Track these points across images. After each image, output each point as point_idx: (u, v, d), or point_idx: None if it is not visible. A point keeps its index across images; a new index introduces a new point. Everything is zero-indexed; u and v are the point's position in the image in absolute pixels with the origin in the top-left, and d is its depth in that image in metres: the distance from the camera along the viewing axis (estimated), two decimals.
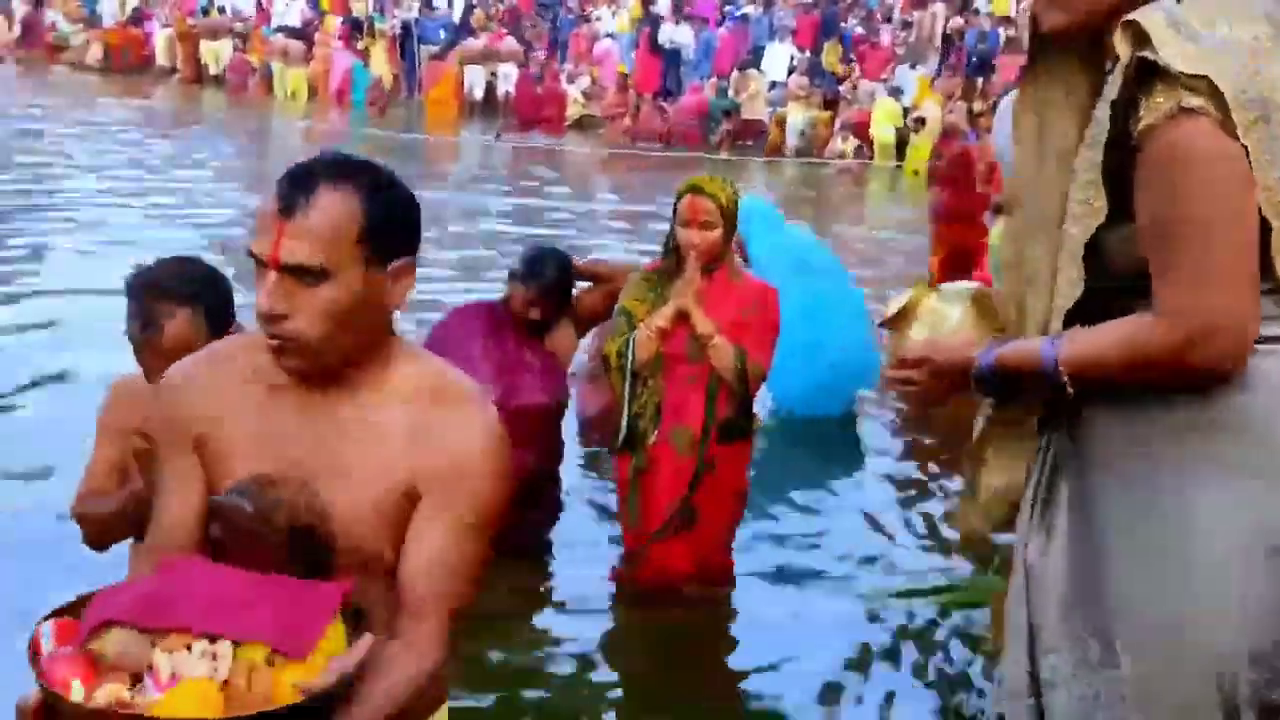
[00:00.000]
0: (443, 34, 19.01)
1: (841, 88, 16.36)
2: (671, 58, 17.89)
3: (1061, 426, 1.58)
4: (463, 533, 1.37)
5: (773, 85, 16.42)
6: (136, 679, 1.18)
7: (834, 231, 9.45)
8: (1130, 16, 1.37)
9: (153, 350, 1.95)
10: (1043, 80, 1.59)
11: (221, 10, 20.46)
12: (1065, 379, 1.45)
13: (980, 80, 15.40)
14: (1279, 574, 1.39)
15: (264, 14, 20.62)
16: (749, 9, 19.26)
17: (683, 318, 3.10)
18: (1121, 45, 1.38)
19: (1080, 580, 1.54)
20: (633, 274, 3.36)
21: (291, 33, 19.24)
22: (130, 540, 2.10)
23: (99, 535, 2.10)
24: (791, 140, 15.26)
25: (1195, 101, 1.33)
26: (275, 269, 1.30)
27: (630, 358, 3.13)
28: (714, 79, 16.63)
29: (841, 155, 14.85)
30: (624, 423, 3.19)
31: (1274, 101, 1.34)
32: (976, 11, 17.89)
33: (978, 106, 14.09)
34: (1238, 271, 1.35)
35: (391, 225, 1.35)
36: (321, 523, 1.35)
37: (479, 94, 17.81)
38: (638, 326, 3.13)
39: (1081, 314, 1.49)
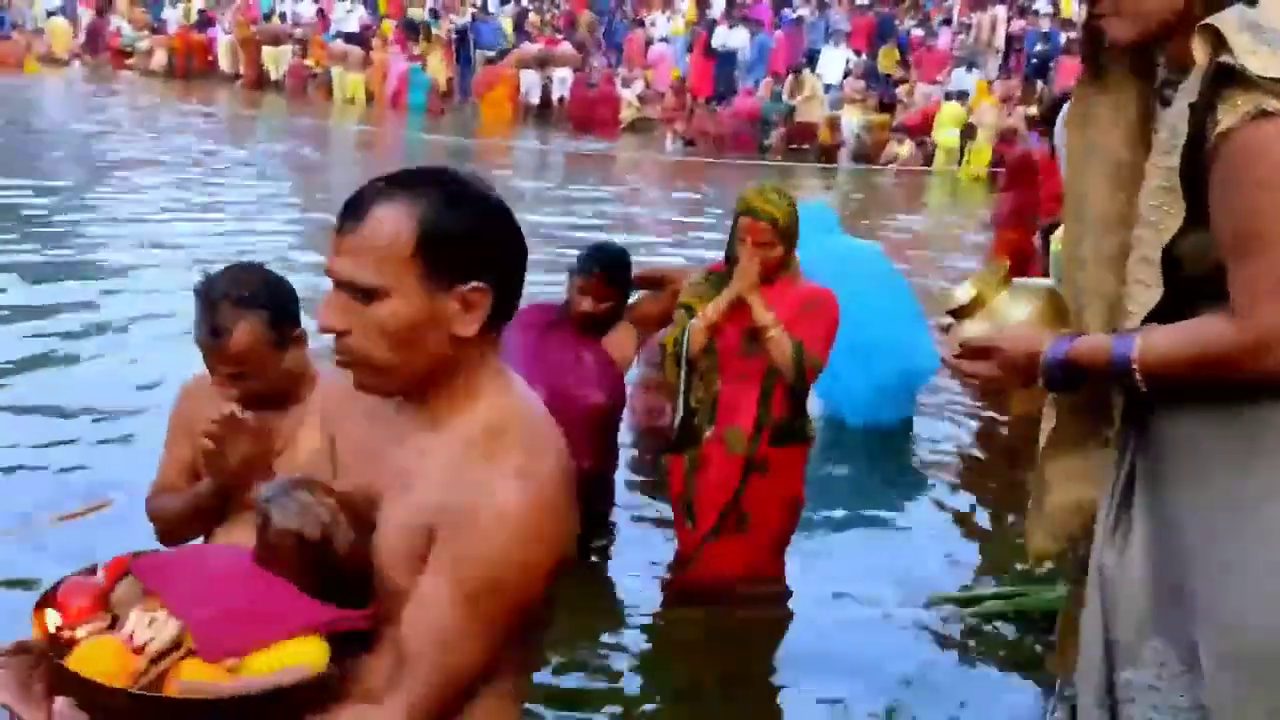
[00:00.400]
0: (499, 38, 19.19)
1: (898, 90, 16.26)
2: (726, 61, 17.89)
3: (1137, 437, 1.57)
4: (460, 597, 1.22)
5: (828, 88, 16.35)
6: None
7: (890, 236, 9.38)
8: (1207, 21, 1.37)
9: (220, 354, 2.00)
10: (1092, 93, 1.61)
11: (283, 17, 20.83)
12: (1139, 377, 1.45)
13: (1040, 83, 15.22)
14: None
15: (324, 20, 20.95)
16: (804, 11, 19.20)
17: (738, 310, 3.10)
18: (1199, 50, 1.38)
19: (1160, 591, 1.52)
20: (694, 273, 3.37)
21: (350, 38, 19.54)
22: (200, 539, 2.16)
23: (169, 532, 2.16)
24: (847, 144, 15.18)
25: (1275, 104, 1.33)
26: (335, 284, 1.29)
27: (685, 345, 3.14)
28: (768, 80, 16.59)
29: (896, 159, 14.74)
30: (679, 415, 3.20)
31: None
32: (1037, 13, 17.67)
33: (1034, 110, 13.94)
34: None
35: (454, 244, 1.26)
36: (343, 543, 1.30)
37: (535, 98, 17.94)
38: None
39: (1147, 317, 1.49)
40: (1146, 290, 1.46)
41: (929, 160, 14.63)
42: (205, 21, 21.20)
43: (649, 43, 18.95)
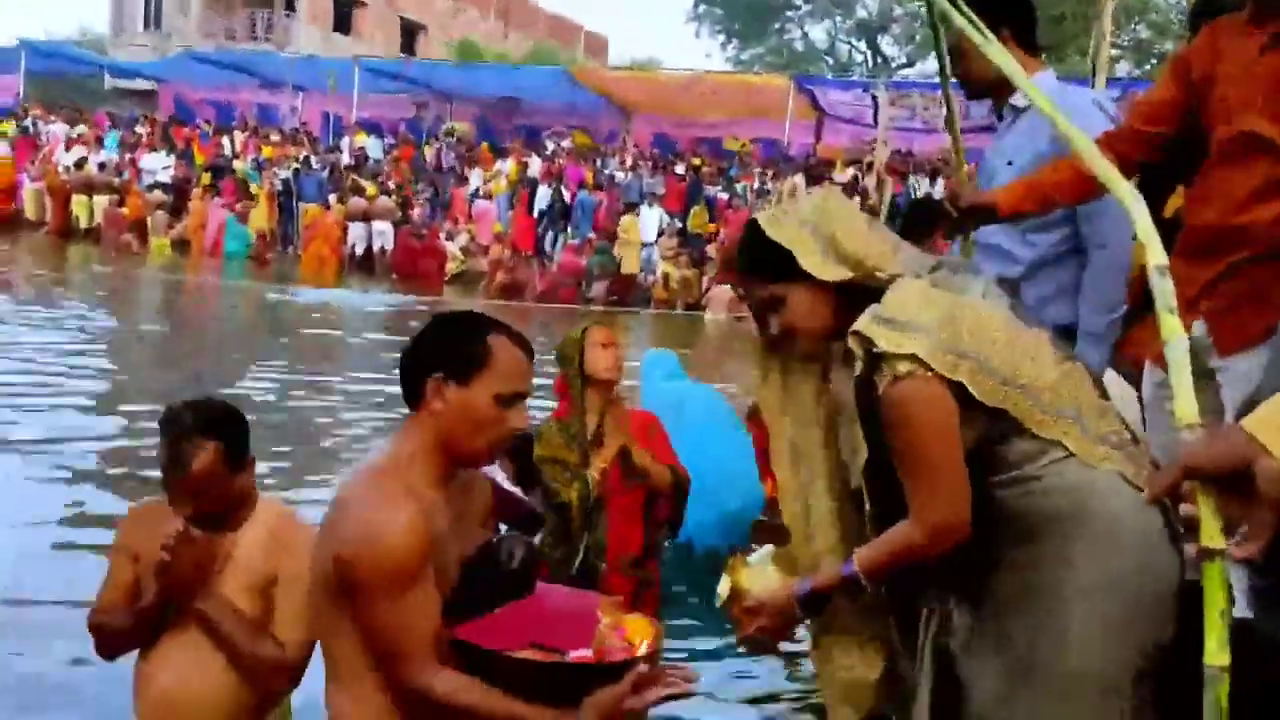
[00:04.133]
0: (321, 192, 19.49)
1: (709, 248, 17.41)
2: (546, 218, 18.73)
3: (940, 620, 2.13)
4: None
5: (644, 245, 17.36)
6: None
7: (720, 379, 10.03)
8: (854, 328, 2.02)
9: (182, 479, 2.25)
10: (780, 374, 2.31)
11: (102, 166, 20.55)
12: (864, 582, 2.08)
13: None
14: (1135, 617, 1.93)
15: (136, 170, 20.79)
16: (619, 174, 20.36)
17: (618, 454, 3.51)
18: (855, 346, 2.03)
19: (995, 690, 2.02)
20: (544, 424, 3.65)
21: (166, 188, 19.45)
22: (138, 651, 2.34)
23: (111, 646, 2.34)
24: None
25: (905, 368, 1.96)
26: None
27: (591, 495, 3.49)
28: (591, 237, 17.48)
29: (728, 307, 15.75)
30: (579, 557, 3.50)
31: (967, 346, 1.96)
32: (832, 180, 19.38)
33: None
34: (954, 483, 1.96)
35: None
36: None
37: (360, 250, 18.24)
38: (575, 468, 3.51)
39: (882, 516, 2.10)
40: (868, 504, 2.10)
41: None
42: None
43: (472, 197, 19.62)
